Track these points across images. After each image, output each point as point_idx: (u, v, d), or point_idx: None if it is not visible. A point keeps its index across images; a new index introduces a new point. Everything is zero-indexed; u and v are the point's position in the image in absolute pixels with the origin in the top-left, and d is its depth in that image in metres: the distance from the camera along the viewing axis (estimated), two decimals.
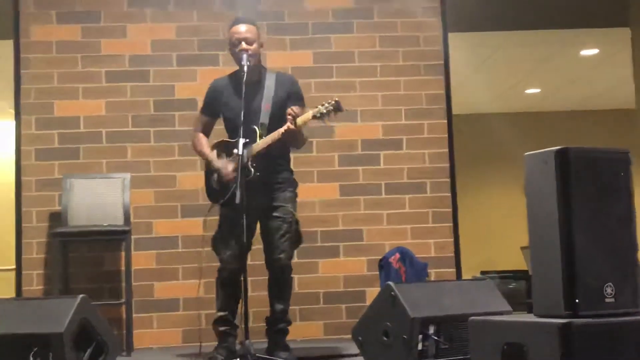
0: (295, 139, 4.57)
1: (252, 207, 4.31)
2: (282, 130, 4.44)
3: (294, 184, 4.78)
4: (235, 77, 4.75)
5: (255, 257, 4.74)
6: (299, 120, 4.44)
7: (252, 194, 4.28)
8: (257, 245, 4.71)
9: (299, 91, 4.80)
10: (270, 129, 4.56)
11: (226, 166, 4.60)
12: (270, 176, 4.62)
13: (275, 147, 4.53)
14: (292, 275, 4.74)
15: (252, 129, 4.53)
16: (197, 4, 6.16)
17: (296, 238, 4.69)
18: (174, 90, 6.04)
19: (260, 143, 4.51)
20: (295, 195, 4.76)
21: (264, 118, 4.61)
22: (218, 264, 4.69)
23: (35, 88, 5.98)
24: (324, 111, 4.39)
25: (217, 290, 4.72)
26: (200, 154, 4.85)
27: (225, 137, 4.78)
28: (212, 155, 4.73)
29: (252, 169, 4.44)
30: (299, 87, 4.83)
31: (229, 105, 4.71)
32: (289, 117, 4.43)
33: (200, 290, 4.96)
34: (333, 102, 4.39)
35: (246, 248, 4.41)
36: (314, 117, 4.42)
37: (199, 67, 6.03)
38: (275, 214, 4.62)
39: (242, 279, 4.24)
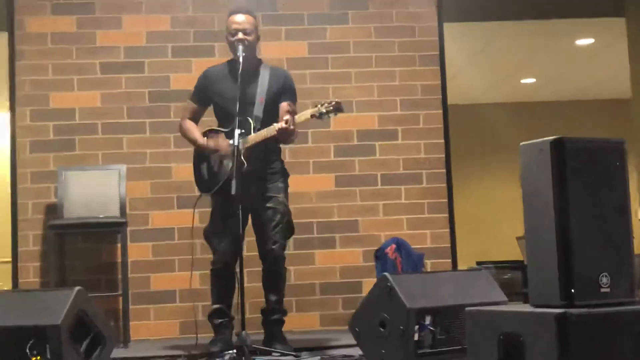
0: (287, 137, 4.52)
1: (245, 197, 4.27)
2: (277, 127, 4.39)
3: (285, 175, 4.74)
4: (230, 65, 4.72)
5: (251, 248, 4.72)
6: (296, 118, 4.40)
7: (245, 185, 4.24)
8: (251, 236, 4.70)
9: (292, 87, 4.76)
10: (264, 122, 4.53)
11: (220, 146, 4.55)
12: (263, 167, 4.59)
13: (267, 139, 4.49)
14: (287, 267, 4.74)
15: (246, 121, 4.48)
16: None
17: (288, 228, 4.66)
18: (170, 81, 6.03)
19: (253, 137, 4.46)
20: (287, 185, 4.73)
21: (258, 111, 4.56)
22: (211, 255, 4.69)
23: (30, 80, 5.97)
24: (324, 111, 4.36)
25: (211, 283, 4.71)
26: (192, 140, 4.74)
27: (208, 127, 4.74)
28: (205, 140, 4.65)
29: (244, 162, 4.36)
30: (292, 82, 4.78)
31: (223, 93, 4.65)
32: (286, 115, 4.38)
33: (196, 282, 4.95)
34: (334, 102, 4.36)
35: (241, 239, 4.37)
36: (313, 116, 4.39)
37: (195, 58, 6.02)
38: (268, 204, 4.59)
39: (237, 270, 4.24)
